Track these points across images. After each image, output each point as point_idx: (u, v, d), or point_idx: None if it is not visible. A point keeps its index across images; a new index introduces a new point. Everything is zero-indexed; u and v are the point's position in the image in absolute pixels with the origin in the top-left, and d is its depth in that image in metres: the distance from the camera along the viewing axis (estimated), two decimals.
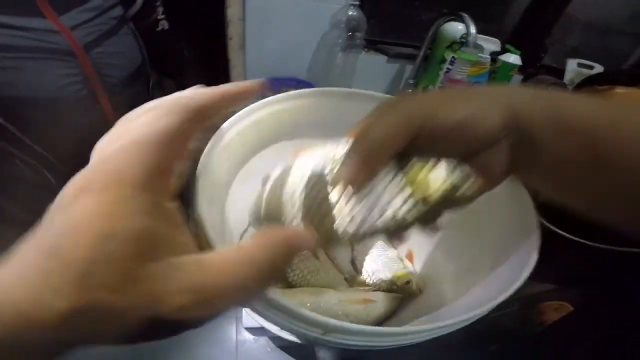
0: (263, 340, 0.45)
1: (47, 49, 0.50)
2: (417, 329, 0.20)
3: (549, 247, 0.49)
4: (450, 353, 0.65)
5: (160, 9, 0.74)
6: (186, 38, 0.89)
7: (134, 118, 0.16)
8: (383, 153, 0.19)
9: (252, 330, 0.45)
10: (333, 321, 0.19)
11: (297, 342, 0.43)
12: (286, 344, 0.45)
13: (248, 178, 0.36)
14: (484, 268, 0.31)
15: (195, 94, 0.17)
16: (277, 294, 0.37)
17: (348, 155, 0.20)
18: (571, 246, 0.48)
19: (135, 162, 0.13)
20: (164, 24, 0.75)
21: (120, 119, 0.16)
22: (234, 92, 0.18)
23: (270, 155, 0.38)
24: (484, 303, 0.22)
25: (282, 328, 0.22)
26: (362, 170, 0.19)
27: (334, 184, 0.21)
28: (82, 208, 0.12)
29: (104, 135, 0.15)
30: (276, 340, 0.45)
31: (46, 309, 0.10)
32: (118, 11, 0.60)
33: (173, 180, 0.15)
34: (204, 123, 0.17)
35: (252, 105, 0.32)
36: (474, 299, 0.29)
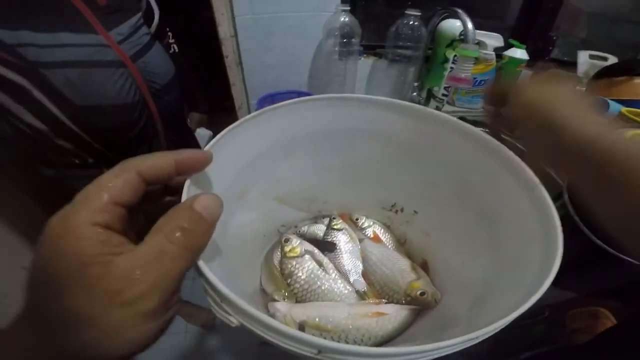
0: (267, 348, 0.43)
1: (103, 62, 0.57)
2: (418, 349, 0.18)
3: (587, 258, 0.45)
4: None
5: (170, 34, 0.80)
6: (191, 60, 0.93)
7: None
8: None
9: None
10: (325, 341, 0.17)
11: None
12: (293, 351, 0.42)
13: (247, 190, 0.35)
14: (502, 279, 0.29)
15: (148, 157, 0.20)
16: (276, 310, 0.34)
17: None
18: (611, 260, 0.44)
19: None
20: (174, 47, 0.82)
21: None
22: (187, 159, 0.21)
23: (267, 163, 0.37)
24: (501, 316, 0.20)
25: (277, 347, 0.19)
26: None
27: None
28: None
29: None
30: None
31: None
32: (146, 29, 0.68)
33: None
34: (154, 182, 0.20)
35: (235, 124, 0.31)
36: (492, 311, 0.26)
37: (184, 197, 0.22)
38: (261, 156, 0.36)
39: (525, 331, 0.71)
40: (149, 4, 0.70)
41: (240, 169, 0.34)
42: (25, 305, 0.16)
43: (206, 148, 0.26)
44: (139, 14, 0.65)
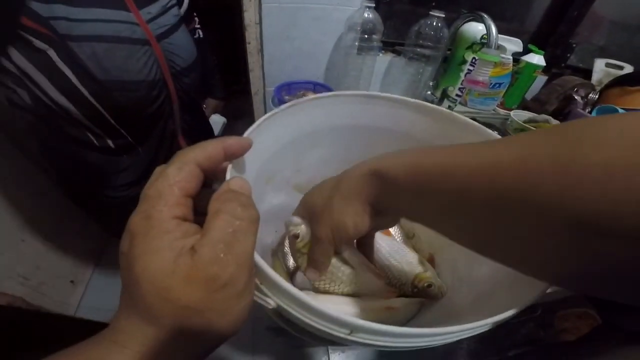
0: (280, 340, 0.45)
1: (131, 39, 0.58)
2: (446, 330, 0.19)
3: None
4: (471, 358, 0.63)
5: (196, 19, 0.81)
6: (211, 45, 0.94)
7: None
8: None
9: (271, 330, 0.45)
10: (359, 321, 0.19)
11: (313, 343, 0.42)
12: (303, 344, 0.44)
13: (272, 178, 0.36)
14: (508, 274, 0.30)
15: (201, 147, 0.21)
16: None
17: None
18: None
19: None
20: (199, 33, 0.84)
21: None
22: (233, 146, 0.22)
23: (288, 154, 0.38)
24: (508, 308, 0.21)
25: (306, 328, 0.21)
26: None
27: None
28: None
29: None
30: (293, 339, 0.44)
31: None
32: (176, 10, 0.69)
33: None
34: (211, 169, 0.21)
35: (270, 113, 0.32)
36: (496, 305, 0.28)
37: (228, 178, 0.23)
38: (289, 145, 0.37)
39: (514, 329, 0.73)
40: None
41: (271, 156, 0.35)
42: (129, 299, 0.16)
43: (246, 134, 0.28)
44: None
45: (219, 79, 1.09)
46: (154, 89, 0.66)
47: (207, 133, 0.99)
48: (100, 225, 1.10)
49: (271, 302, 0.21)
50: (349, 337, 0.20)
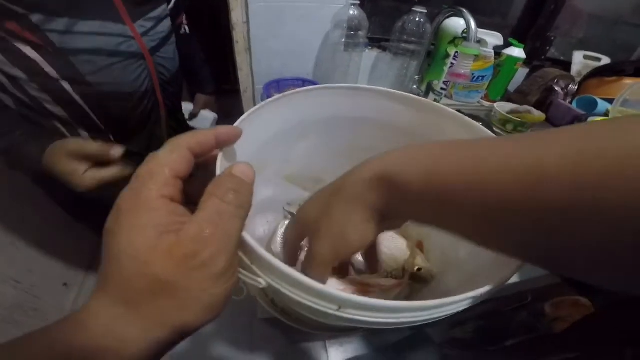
0: (278, 335, 0.45)
1: (127, 53, 0.59)
2: (436, 302, 0.20)
3: None
4: (466, 349, 0.65)
5: (184, 14, 0.81)
6: (201, 42, 0.94)
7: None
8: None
9: (267, 321, 0.45)
10: (349, 295, 0.19)
11: (309, 336, 0.43)
12: (301, 339, 0.45)
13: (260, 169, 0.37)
14: (490, 257, 0.30)
15: (193, 134, 0.21)
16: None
17: None
18: None
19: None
20: (185, 28, 0.84)
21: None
22: (224, 134, 0.23)
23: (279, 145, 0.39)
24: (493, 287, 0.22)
25: (296, 308, 0.21)
26: None
27: None
28: None
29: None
30: (291, 335, 0.45)
31: None
32: (168, 22, 0.69)
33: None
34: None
35: (260, 105, 0.33)
36: (481, 285, 0.29)
37: (218, 166, 0.24)
38: (277, 136, 0.38)
39: (508, 318, 0.75)
40: None
41: (260, 147, 0.36)
42: (103, 279, 0.16)
43: (237, 124, 0.29)
44: (164, 5, 0.66)
45: (209, 74, 1.08)
46: (145, 99, 0.68)
47: None
48: (92, 229, 1.08)
49: (262, 281, 0.21)
50: (338, 313, 0.20)
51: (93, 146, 0.49)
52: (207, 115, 1.18)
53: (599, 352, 0.45)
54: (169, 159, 0.19)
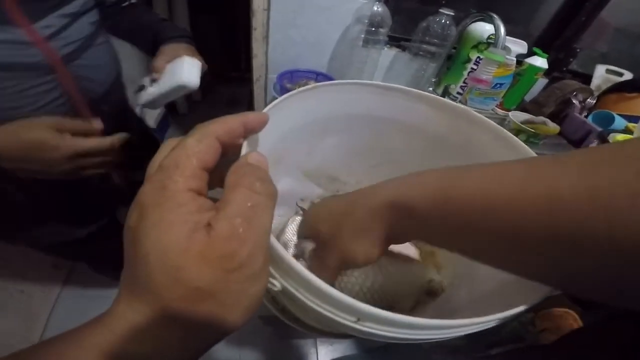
0: (268, 329, 0.45)
1: (22, 65, 0.44)
2: (465, 322, 0.19)
3: None
4: (454, 355, 0.65)
5: None
6: (212, 30, 0.90)
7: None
8: None
9: (264, 318, 0.44)
10: (369, 308, 0.18)
11: (302, 335, 0.42)
12: (292, 335, 0.44)
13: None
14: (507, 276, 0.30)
15: (221, 121, 0.20)
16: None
17: None
18: None
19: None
20: None
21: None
22: (252, 121, 0.21)
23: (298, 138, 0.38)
24: (509, 306, 0.21)
25: (309, 313, 0.21)
26: None
27: None
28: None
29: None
30: (281, 329, 0.44)
31: None
32: (94, 15, 0.53)
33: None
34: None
35: (289, 94, 0.32)
36: (497, 304, 0.28)
37: (243, 154, 0.22)
38: (300, 129, 0.37)
39: (498, 326, 0.74)
40: None
41: (280, 138, 0.35)
42: (131, 282, 0.15)
43: (265, 110, 0.27)
44: None
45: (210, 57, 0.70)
46: None
47: (150, 150, 0.52)
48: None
49: (277, 284, 0.20)
50: (356, 326, 0.19)
51: (75, 122, 0.44)
52: (189, 61, 0.62)
53: None
54: (197, 149, 0.17)
